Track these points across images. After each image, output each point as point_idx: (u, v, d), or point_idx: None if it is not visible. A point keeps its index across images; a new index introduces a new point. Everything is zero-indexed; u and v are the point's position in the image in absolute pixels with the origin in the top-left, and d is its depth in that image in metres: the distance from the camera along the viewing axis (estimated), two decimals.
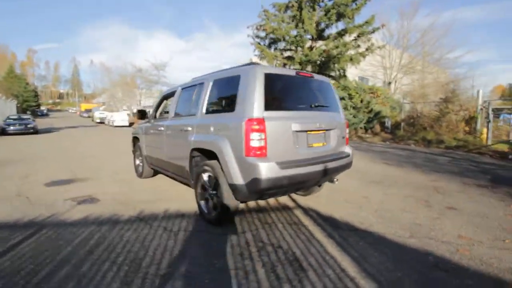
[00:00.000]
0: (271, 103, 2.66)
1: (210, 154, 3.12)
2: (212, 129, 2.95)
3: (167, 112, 5.04)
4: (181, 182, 4.71)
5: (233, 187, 2.70)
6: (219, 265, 2.28)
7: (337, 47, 15.46)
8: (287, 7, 17.33)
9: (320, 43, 16.79)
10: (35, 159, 7.86)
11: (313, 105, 3.08)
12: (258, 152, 2.54)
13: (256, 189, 2.58)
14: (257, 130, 2.53)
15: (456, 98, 12.39)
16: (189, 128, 3.35)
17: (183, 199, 4.08)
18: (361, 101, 15.80)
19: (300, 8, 15.32)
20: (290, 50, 17.65)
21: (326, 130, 3.14)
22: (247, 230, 2.97)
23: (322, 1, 16.13)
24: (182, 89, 3.94)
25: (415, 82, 19.43)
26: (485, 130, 10.49)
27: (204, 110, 3.23)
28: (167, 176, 4.96)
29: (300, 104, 3.05)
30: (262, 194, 2.74)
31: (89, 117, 40.86)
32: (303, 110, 3.03)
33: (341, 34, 16.01)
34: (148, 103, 31.95)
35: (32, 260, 2.38)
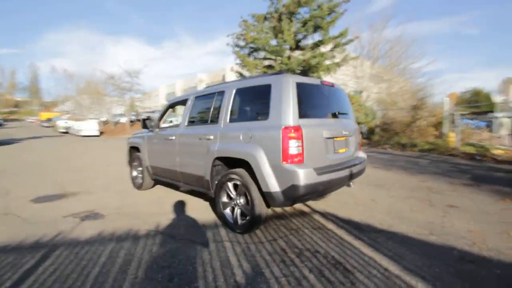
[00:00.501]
0: (303, 111, 2.74)
1: (234, 163, 3.12)
2: (241, 137, 2.94)
3: (170, 121, 4.89)
4: (185, 193, 4.60)
5: (268, 195, 2.71)
6: (268, 274, 2.26)
7: (314, 57, 16.12)
8: (265, 18, 17.79)
9: (297, 53, 17.42)
10: (7, 173, 7.12)
11: (336, 113, 3.22)
12: (296, 159, 2.60)
13: (294, 195, 2.62)
14: (295, 138, 2.58)
15: (425, 105, 13.49)
16: (211, 137, 3.30)
17: (196, 209, 3.97)
18: None
19: (279, 20, 15.80)
20: (270, 59, 18.06)
21: (348, 136, 3.29)
22: (277, 237, 2.97)
23: (299, 14, 16.80)
24: (196, 97, 3.87)
25: (384, 90, 20.81)
26: (451, 134, 11.52)
27: (227, 119, 3.21)
28: (167, 185, 4.81)
29: (326, 112, 3.17)
30: (296, 200, 2.78)
31: (50, 126, 37.84)
32: (328, 118, 3.15)
33: (317, 44, 16.76)
34: (119, 111, 30.47)
35: (60, 285, 2.18)
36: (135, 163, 5.22)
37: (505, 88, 47.24)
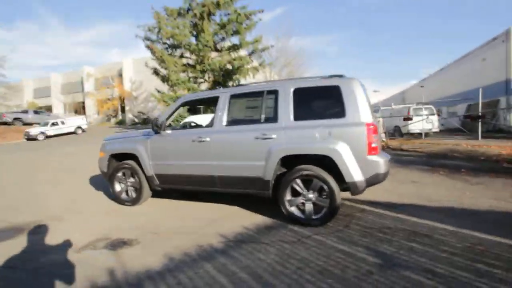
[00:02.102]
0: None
1: (297, 160, 3.25)
2: (317, 134, 3.11)
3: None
4: (194, 200, 4.30)
5: (353, 184, 3.02)
6: (388, 251, 2.60)
7: (234, 60, 16.73)
8: (179, 14, 17.07)
9: (214, 54, 17.58)
10: None
11: None
12: (375, 152, 3.03)
13: (375, 182, 3.06)
14: (374, 132, 3.02)
15: None
16: (273, 136, 3.27)
17: (237, 215, 3.78)
18: None
19: (202, 18, 15.54)
20: (187, 57, 17.44)
21: None
22: (346, 224, 3.31)
23: (214, 15, 16.98)
24: (232, 95, 3.64)
25: None
26: None
27: (291, 117, 3.27)
28: (160, 194, 4.32)
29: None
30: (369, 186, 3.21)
31: None
32: None
33: (235, 48, 17.47)
34: None
35: None
36: (120, 175, 4.28)
37: None
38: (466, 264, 2.36)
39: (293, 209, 3.29)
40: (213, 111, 5.21)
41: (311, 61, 38.06)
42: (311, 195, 3.22)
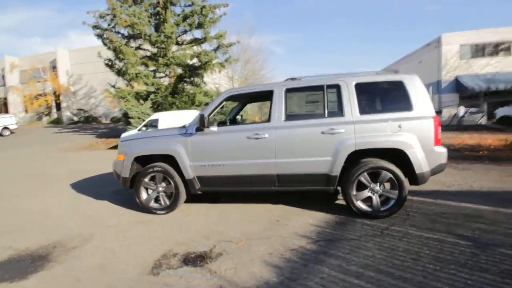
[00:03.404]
0: None
1: (362, 154, 3.30)
2: (388, 128, 3.16)
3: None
4: (233, 201, 4.14)
5: (421, 175, 3.17)
6: (467, 232, 2.82)
7: (200, 54, 15.95)
8: (134, 1, 15.56)
9: (174, 47, 16.50)
10: None
11: None
12: (439, 143, 3.24)
13: (438, 172, 3.27)
14: (439, 124, 3.22)
15: None
16: (341, 130, 3.21)
17: (292, 212, 3.63)
18: None
19: (165, 8, 14.36)
20: (146, 49, 16.00)
21: None
22: (406, 213, 3.46)
23: (175, 5, 15.91)
24: (288, 89, 3.44)
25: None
26: None
27: (357, 112, 3.25)
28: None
29: None
30: None
31: None
32: None
33: (197, 42, 16.67)
34: None
35: None
36: (147, 179, 3.71)
37: None
38: None
39: (360, 203, 3.31)
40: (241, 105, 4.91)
41: (271, 59, 38.74)
42: (377, 188, 3.29)
